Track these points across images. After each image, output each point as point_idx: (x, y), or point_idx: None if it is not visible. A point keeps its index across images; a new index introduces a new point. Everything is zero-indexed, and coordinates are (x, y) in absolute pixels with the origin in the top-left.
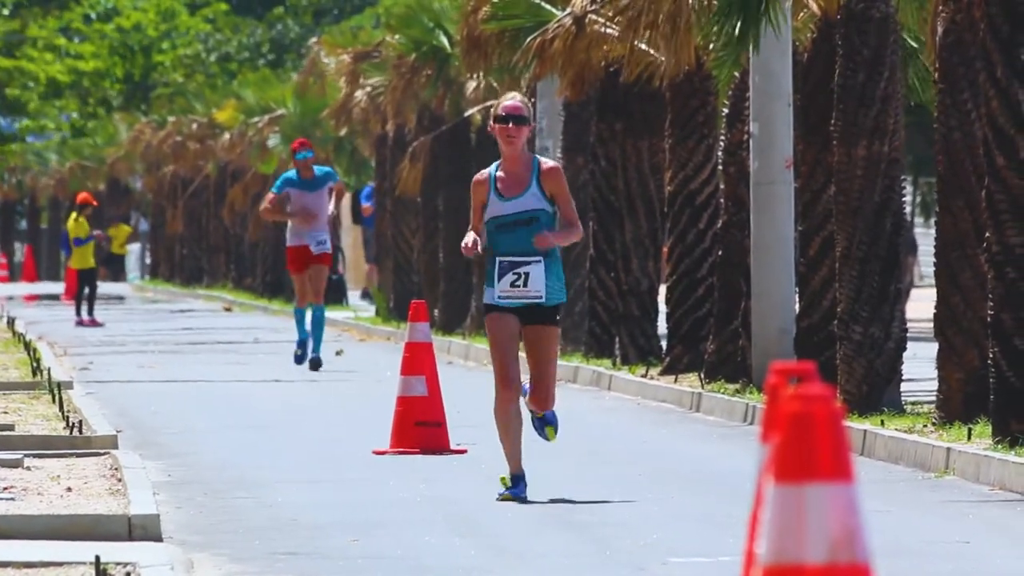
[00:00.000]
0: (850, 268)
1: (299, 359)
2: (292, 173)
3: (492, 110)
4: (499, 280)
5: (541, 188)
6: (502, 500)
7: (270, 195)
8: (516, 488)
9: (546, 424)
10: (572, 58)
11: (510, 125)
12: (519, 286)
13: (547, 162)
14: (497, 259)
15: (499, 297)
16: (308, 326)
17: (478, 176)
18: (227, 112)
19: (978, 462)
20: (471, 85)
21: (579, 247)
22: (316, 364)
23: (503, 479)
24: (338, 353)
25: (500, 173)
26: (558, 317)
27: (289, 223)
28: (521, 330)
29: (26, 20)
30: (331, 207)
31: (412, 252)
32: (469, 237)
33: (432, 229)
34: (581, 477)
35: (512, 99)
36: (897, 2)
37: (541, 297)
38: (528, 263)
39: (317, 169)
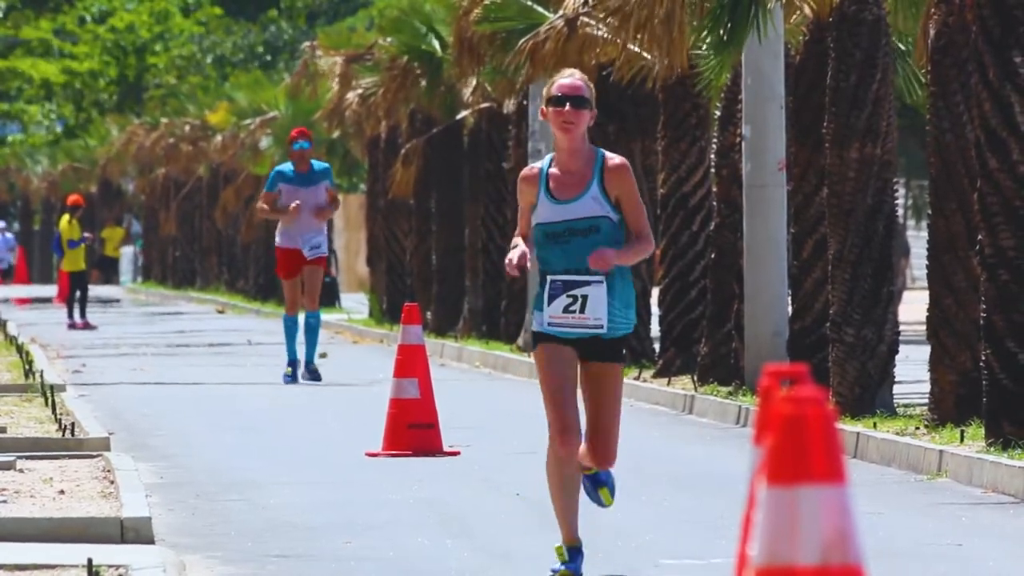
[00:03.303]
0: (843, 270)
1: (290, 378)
2: (285, 166)
3: (545, 90)
4: (549, 303)
5: (604, 189)
6: None
7: (263, 194)
8: (573, 563)
9: (599, 485)
10: (564, 60)
11: (567, 108)
12: (574, 312)
13: (614, 157)
14: (548, 278)
15: (549, 324)
16: (300, 336)
17: (526, 171)
18: (219, 114)
19: (971, 464)
20: (467, 91)
21: None
22: (315, 374)
23: (558, 550)
24: (322, 355)
25: (554, 169)
26: (624, 351)
27: (280, 222)
28: (579, 364)
29: (19, 23)
30: (329, 214)
31: (405, 254)
32: (515, 252)
33: (425, 231)
34: None
35: (570, 76)
36: (889, 4)
37: (602, 327)
38: (586, 283)
39: (315, 164)
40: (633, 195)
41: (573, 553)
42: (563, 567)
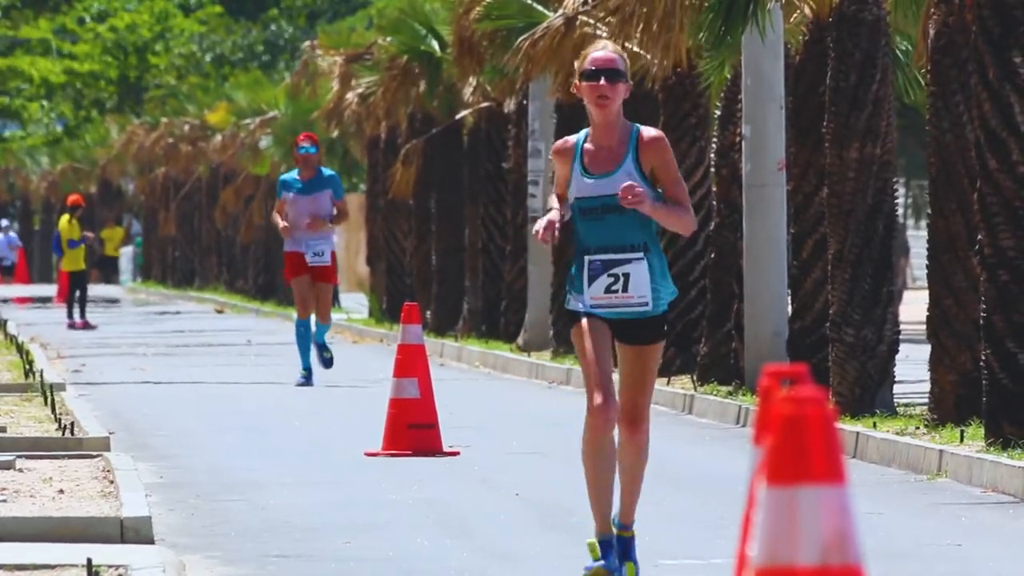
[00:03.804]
0: (842, 270)
1: (305, 381)
2: (290, 175)
3: (578, 63)
4: (590, 284)
5: (639, 163)
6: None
7: (277, 203)
8: (607, 558)
9: (625, 559)
10: (559, 56)
11: (601, 81)
12: (616, 291)
13: (649, 130)
14: (585, 258)
15: (592, 306)
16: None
17: (560, 144)
18: (219, 114)
19: (971, 464)
20: (468, 91)
21: (571, 249)
22: (327, 361)
23: (591, 544)
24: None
25: (588, 144)
26: (665, 326)
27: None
28: (614, 345)
29: (18, 22)
30: (321, 225)
31: (404, 254)
32: (541, 221)
33: (424, 231)
34: (574, 479)
35: (603, 49)
36: (889, 5)
37: (647, 304)
38: (626, 260)
39: (323, 171)
40: (670, 167)
41: (606, 547)
42: (595, 564)
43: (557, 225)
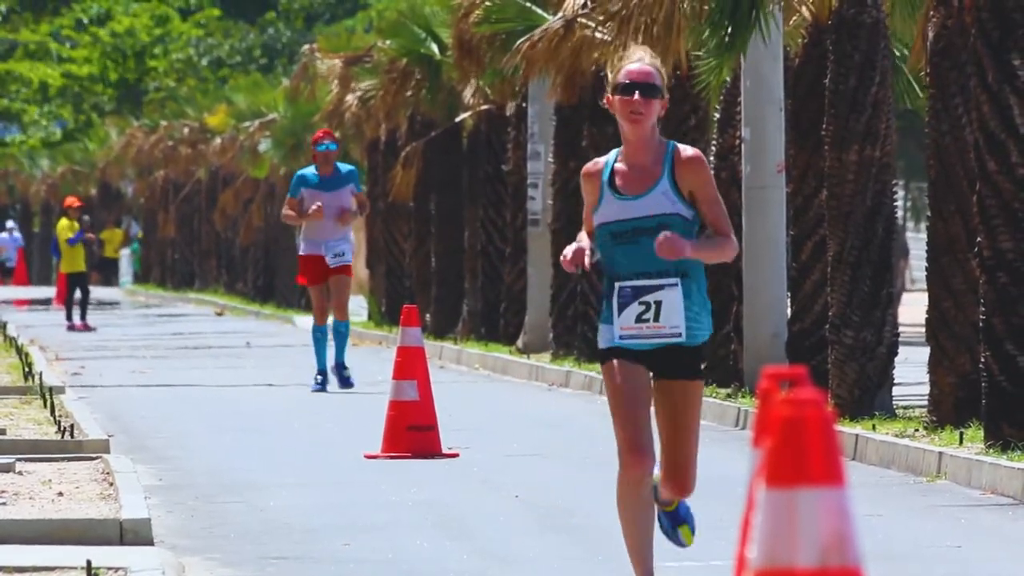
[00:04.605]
0: (842, 272)
1: (319, 386)
2: (308, 170)
3: (611, 75)
4: (619, 313)
5: (676, 184)
6: None
7: (288, 200)
8: None
9: (679, 522)
10: (557, 58)
11: (636, 97)
12: (647, 320)
13: (687, 149)
14: (616, 285)
15: (620, 337)
16: (330, 350)
17: (590, 166)
18: (218, 117)
19: (970, 466)
20: (467, 93)
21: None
22: (346, 381)
23: None
24: None
25: (620, 164)
26: (704, 365)
27: (303, 227)
28: (651, 382)
29: (18, 26)
30: (350, 218)
31: (404, 257)
32: (570, 248)
33: (424, 234)
34: (573, 481)
35: (639, 62)
36: (888, 7)
37: (680, 335)
38: (659, 287)
39: (340, 166)
40: (709, 189)
41: None
42: None
43: (587, 253)
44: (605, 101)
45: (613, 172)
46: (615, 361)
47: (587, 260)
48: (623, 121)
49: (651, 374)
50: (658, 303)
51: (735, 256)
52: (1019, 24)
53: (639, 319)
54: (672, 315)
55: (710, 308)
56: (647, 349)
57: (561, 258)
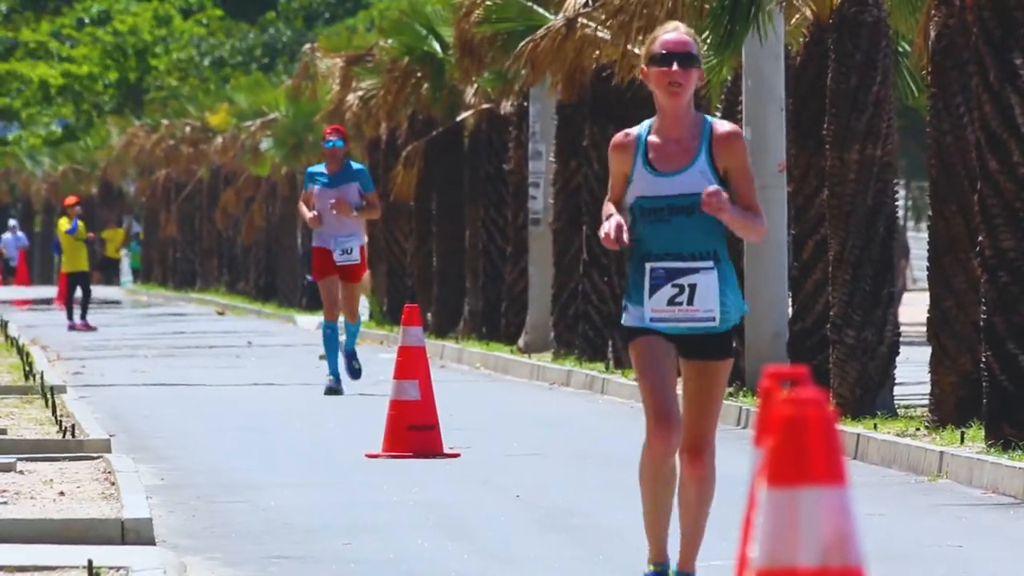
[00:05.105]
0: (843, 272)
1: (332, 389)
2: (317, 167)
3: (646, 47)
4: (651, 295)
5: (713, 161)
6: None
7: (303, 193)
8: None
9: None
10: (560, 56)
11: (674, 67)
12: (680, 303)
13: (724, 124)
14: (647, 265)
15: (651, 320)
16: (340, 347)
17: (620, 137)
18: (220, 116)
19: (971, 466)
20: (469, 91)
21: (572, 251)
22: (355, 372)
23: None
24: (322, 357)
25: (654, 137)
26: (734, 343)
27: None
28: (678, 362)
29: (19, 25)
30: (356, 214)
31: (405, 256)
32: (610, 223)
33: (425, 233)
34: (574, 481)
35: (675, 31)
36: (889, 6)
37: (714, 319)
38: (694, 270)
39: (352, 164)
40: (744, 167)
41: (661, 573)
42: None
43: (625, 228)
44: (640, 73)
45: (647, 145)
46: (642, 338)
47: (625, 236)
48: (660, 93)
49: (677, 353)
50: (692, 286)
51: (763, 232)
52: (1021, 23)
53: (671, 302)
54: (707, 298)
55: (738, 288)
56: (676, 334)
57: (603, 235)
